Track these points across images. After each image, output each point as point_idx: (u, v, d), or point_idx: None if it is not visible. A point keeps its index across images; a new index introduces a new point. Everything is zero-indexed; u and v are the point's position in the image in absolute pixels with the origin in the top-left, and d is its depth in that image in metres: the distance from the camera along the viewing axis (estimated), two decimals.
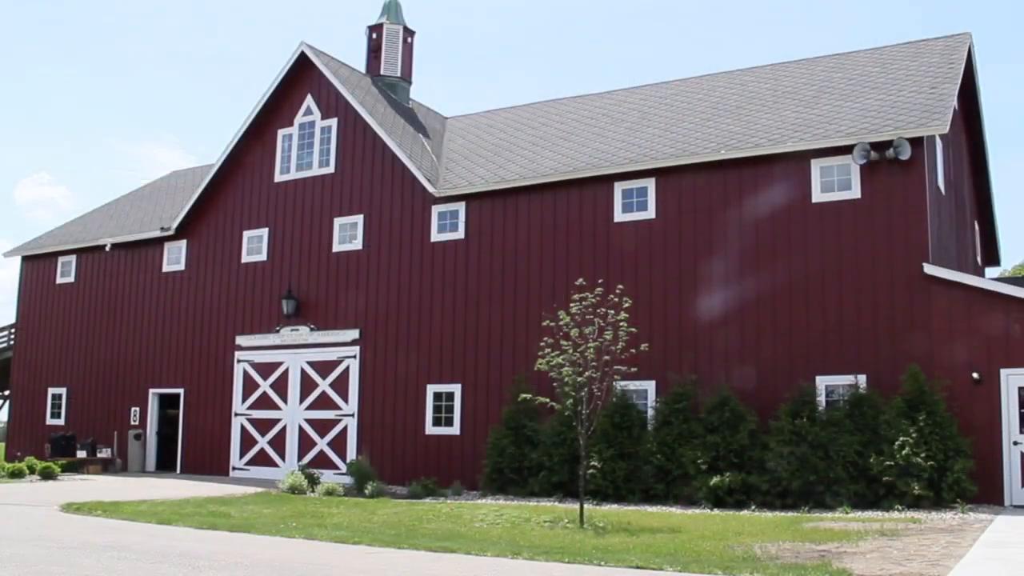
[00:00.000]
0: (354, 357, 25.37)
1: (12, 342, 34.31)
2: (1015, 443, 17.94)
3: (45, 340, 31.85)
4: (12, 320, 34.36)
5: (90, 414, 30.17)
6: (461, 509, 17.43)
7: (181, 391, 28.47)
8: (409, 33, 31.12)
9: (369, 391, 25.03)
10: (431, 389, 24.10)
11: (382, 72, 30.17)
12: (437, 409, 23.93)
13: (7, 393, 35.77)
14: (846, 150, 19.90)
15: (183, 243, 29.18)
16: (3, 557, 10.32)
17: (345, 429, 25.25)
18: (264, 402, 26.77)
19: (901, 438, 17.35)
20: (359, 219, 25.97)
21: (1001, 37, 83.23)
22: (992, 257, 30.23)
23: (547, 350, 16.22)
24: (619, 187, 22.40)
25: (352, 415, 25.18)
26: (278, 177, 27.74)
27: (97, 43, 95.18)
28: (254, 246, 27.77)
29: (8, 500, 18.83)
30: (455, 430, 23.57)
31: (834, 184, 20.12)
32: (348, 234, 26.10)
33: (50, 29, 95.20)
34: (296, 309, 26.29)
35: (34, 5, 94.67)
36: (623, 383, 18.80)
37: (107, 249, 30.62)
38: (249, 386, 27.10)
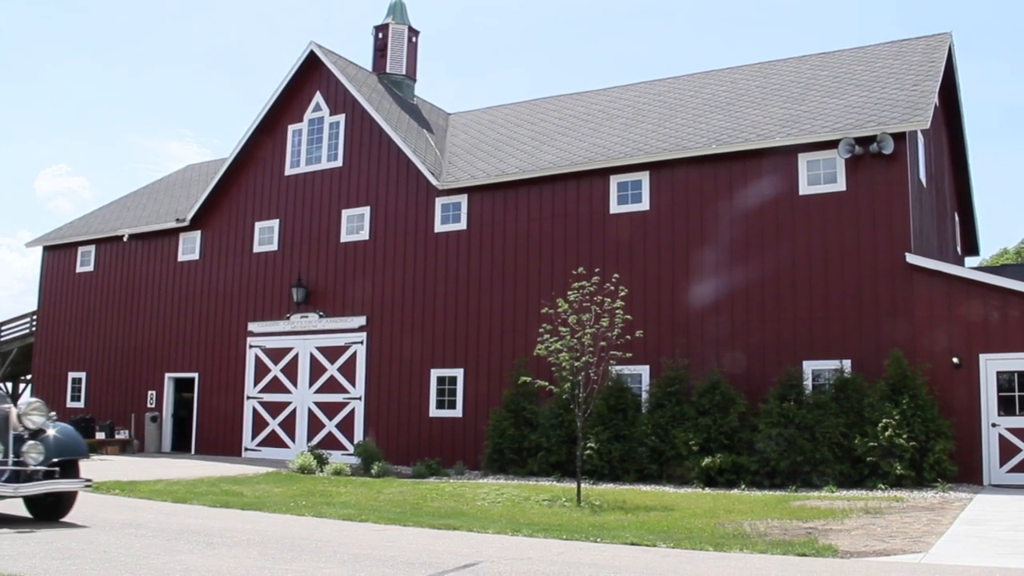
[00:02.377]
0: (361, 343, 25.34)
1: (34, 328, 34.27)
2: (993, 425, 17.93)
3: (65, 327, 31.82)
4: (34, 307, 34.31)
5: (108, 397, 30.15)
6: (463, 488, 17.41)
7: (196, 375, 28.45)
8: (414, 33, 31.01)
9: (375, 375, 25.01)
10: (435, 373, 24.07)
11: (388, 70, 30.06)
12: (440, 392, 23.91)
13: (29, 377, 35.76)
14: (832, 145, 19.86)
15: (197, 234, 29.12)
16: (26, 534, 10.28)
17: (352, 412, 25.22)
18: (275, 386, 26.74)
19: (884, 420, 17.33)
20: (366, 211, 25.91)
21: (980, 37, 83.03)
22: (971, 247, 30.23)
23: (546, 336, 16.16)
24: (615, 180, 22.35)
25: (359, 398, 25.16)
26: (288, 170, 27.67)
27: (116, 42, 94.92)
28: (265, 236, 27.72)
29: None
30: (458, 413, 23.55)
31: (820, 177, 20.07)
32: (355, 225, 26.04)
33: (71, 28, 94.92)
34: (306, 297, 26.25)
35: (57, 5, 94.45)
36: (618, 368, 18.76)
37: (125, 239, 30.57)
38: (261, 370, 27.08)
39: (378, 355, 25.03)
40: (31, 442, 10.72)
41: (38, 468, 10.71)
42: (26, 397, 12.13)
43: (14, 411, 11.26)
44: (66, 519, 11.51)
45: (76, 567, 8.11)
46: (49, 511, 11.50)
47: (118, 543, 9.81)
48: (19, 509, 11.97)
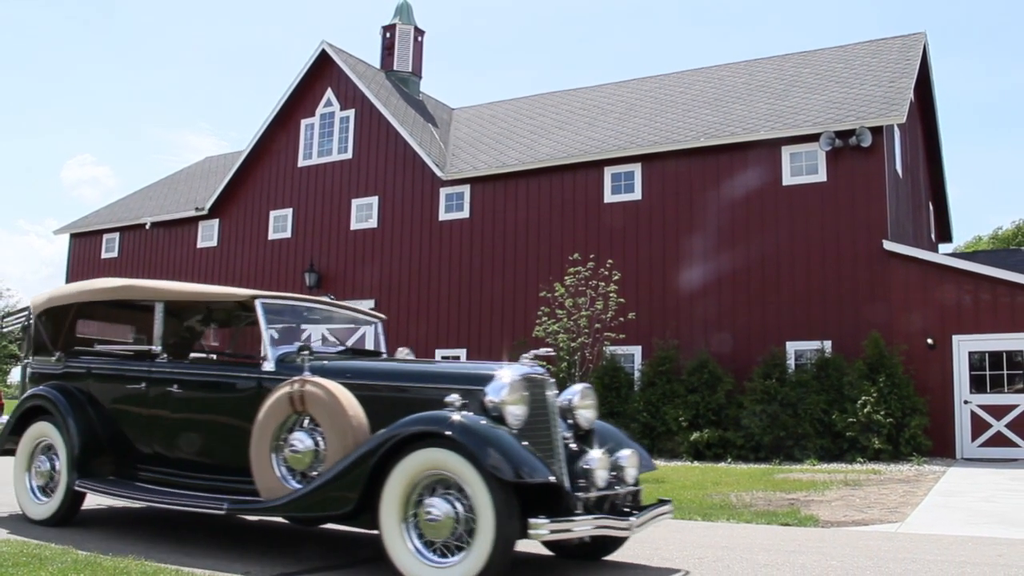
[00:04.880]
0: (370, 324, 25.22)
1: None
2: (965, 402, 17.91)
3: None
4: None
5: None
6: None
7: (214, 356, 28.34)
8: (419, 32, 30.85)
9: None
10: (439, 353, 24.01)
11: (395, 68, 29.91)
12: None
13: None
14: (813, 138, 19.78)
15: (216, 222, 29.03)
16: None
17: None
18: None
19: (863, 397, 17.29)
20: (374, 200, 25.82)
21: (953, 36, 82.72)
22: (945, 234, 30.14)
23: (544, 318, 16.14)
24: (608, 171, 22.25)
25: None
26: (301, 162, 27.56)
27: (139, 39, 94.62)
28: (280, 224, 27.63)
29: None
30: None
31: (802, 169, 20.00)
32: (364, 214, 25.95)
33: (95, 27, 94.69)
34: (317, 281, 26.17)
35: (83, 5, 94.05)
36: (612, 348, 18.74)
37: (147, 227, 30.49)
38: None
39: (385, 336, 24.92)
40: (626, 452, 6.42)
41: (630, 489, 6.39)
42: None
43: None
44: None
45: None
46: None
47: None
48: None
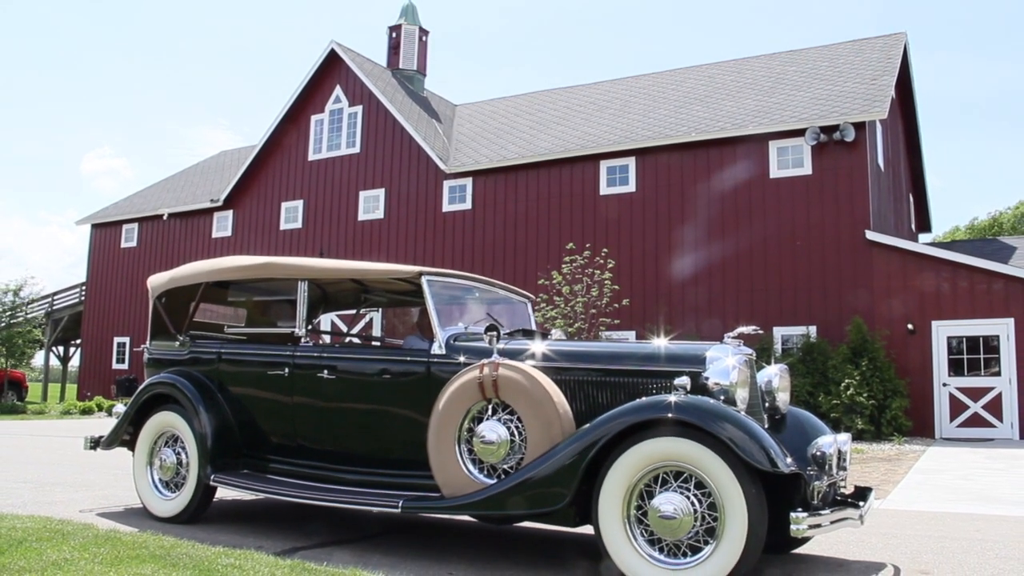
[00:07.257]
0: (377, 311, 25.20)
1: (83, 298, 34.17)
2: (944, 384, 17.88)
3: (111, 296, 31.71)
4: (83, 279, 34.19)
5: None
6: None
7: None
8: (424, 32, 30.72)
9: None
10: None
11: (400, 66, 29.80)
12: None
13: (79, 342, 35.69)
14: (799, 133, 19.71)
15: (230, 213, 28.97)
16: (78, 482, 10.19)
17: None
18: None
19: (846, 380, 17.26)
20: (381, 192, 25.74)
21: (933, 35, 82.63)
22: (924, 224, 30.04)
23: (542, 305, 16.07)
24: (604, 165, 22.18)
25: None
26: (311, 156, 27.48)
27: (158, 39, 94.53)
28: (291, 216, 27.57)
29: (81, 433, 18.74)
30: None
31: (789, 162, 19.94)
32: (371, 205, 25.89)
33: (116, 26, 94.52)
34: None
35: (109, 9, 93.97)
36: (607, 333, 18.69)
37: (164, 218, 30.43)
38: None
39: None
40: (845, 437, 5.73)
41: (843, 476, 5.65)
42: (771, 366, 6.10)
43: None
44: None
45: None
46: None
47: None
48: None
